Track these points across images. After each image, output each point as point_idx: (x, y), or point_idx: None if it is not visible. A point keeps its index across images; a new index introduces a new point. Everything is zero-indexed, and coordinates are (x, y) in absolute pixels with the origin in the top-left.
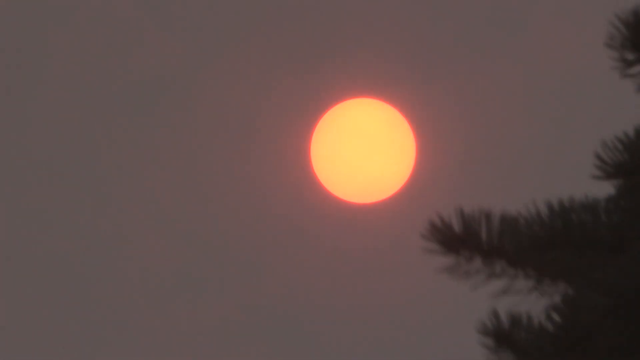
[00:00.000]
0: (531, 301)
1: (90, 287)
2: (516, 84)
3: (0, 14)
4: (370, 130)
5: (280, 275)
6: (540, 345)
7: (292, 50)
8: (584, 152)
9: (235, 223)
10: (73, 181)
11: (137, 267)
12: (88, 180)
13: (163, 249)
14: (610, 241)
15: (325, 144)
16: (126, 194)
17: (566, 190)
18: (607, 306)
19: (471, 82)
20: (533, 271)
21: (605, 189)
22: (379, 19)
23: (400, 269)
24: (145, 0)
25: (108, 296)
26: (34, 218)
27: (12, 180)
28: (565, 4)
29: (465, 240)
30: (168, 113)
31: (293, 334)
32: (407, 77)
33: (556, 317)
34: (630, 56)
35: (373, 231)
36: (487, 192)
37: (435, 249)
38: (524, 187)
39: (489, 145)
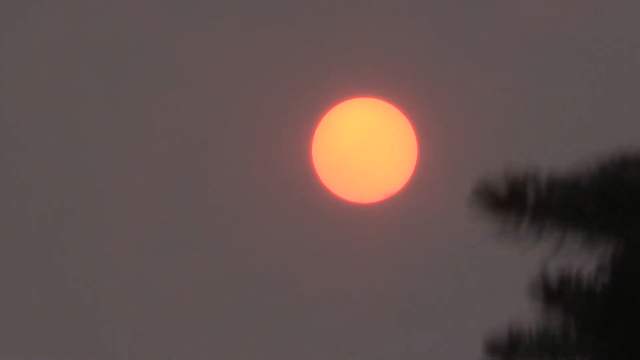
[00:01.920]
0: (582, 261)
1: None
2: (518, 81)
3: None
4: (371, 130)
5: (280, 273)
6: (591, 304)
7: (294, 50)
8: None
9: (235, 223)
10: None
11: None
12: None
13: (162, 249)
14: None
15: (327, 143)
16: (125, 210)
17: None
18: None
19: (473, 81)
20: (583, 231)
21: None
22: (379, 18)
23: (400, 268)
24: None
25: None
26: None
27: None
28: None
29: (511, 203)
30: (167, 112)
31: (292, 333)
32: (408, 77)
33: (608, 276)
34: None
35: (374, 231)
36: None
37: (483, 215)
38: None
39: (491, 145)
